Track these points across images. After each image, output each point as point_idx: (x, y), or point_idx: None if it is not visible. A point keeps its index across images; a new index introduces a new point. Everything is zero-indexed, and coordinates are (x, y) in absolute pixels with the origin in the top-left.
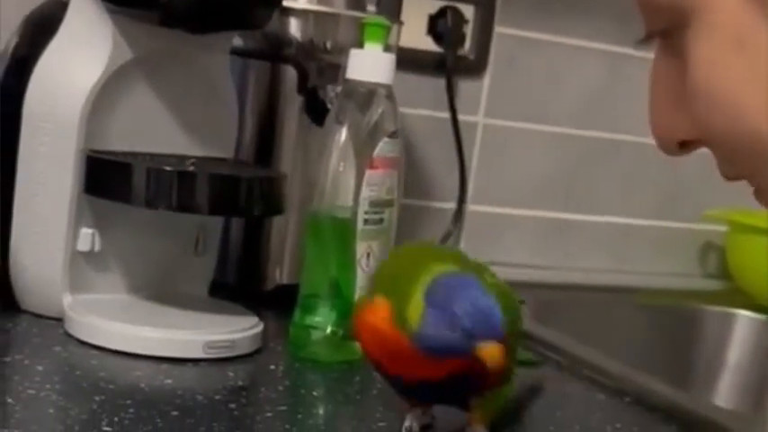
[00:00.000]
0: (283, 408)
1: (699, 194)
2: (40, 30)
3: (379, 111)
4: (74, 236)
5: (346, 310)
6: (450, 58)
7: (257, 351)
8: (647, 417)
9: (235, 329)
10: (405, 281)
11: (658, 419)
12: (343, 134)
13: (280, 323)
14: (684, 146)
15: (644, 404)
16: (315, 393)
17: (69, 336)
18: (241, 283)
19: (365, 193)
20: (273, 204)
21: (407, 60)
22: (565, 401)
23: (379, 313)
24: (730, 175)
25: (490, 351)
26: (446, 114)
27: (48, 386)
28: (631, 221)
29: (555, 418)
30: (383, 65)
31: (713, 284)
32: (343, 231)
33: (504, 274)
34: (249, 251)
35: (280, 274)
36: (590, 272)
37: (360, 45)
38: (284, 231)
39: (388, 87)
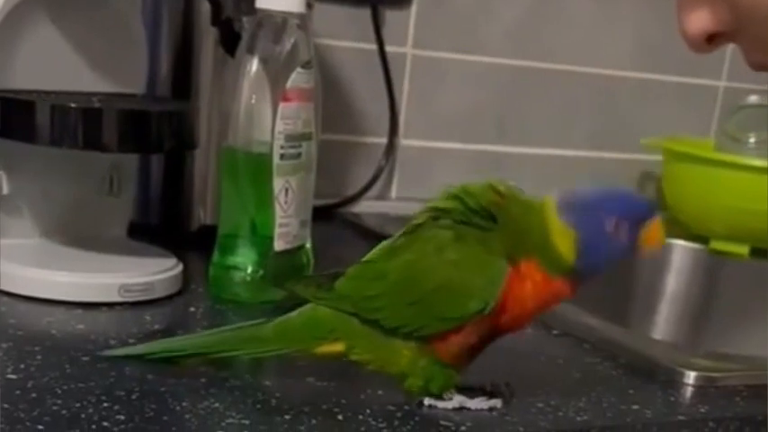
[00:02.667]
0: None
1: (635, 124)
2: None
3: (292, 41)
4: None
5: (266, 249)
6: None
7: (177, 293)
8: (574, 349)
9: (152, 272)
10: (527, 233)
11: (585, 351)
12: (255, 65)
13: (203, 264)
14: (712, 40)
15: (571, 336)
16: None
17: None
18: (164, 224)
19: (280, 126)
20: (185, 139)
21: None
22: None
23: (532, 275)
24: (758, 64)
25: (655, 230)
26: (373, 46)
27: None
28: (567, 153)
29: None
30: None
31: None
32: (260, 167)
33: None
34: (171, 191)
35: (204, 215)
36: None
37: None
38: (206, 170)
39: (300, 16)
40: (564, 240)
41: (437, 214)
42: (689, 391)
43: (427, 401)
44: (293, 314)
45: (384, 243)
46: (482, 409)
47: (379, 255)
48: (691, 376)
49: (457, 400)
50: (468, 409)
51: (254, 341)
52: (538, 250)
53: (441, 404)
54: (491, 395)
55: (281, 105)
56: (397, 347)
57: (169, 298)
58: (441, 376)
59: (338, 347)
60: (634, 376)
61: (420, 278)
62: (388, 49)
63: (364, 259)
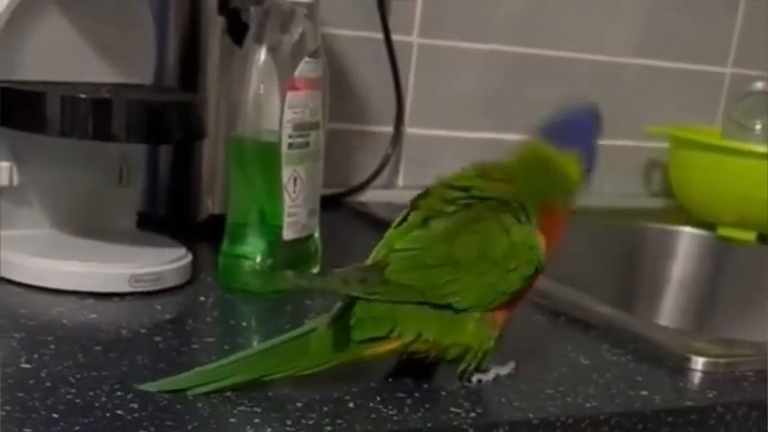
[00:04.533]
0: (210, 339)
1: (641, 111)
2: None
3: (300, 30)
4: None
5: (275, 238)
6: None
7: (187, 283)
8: (582, 335)
9: (162, 262)
10: (543, 183)
11: (593, 338)
12: (263, 54)
13: (212, 254)
14: None
15: (580, 323)
16: (244, 324)
17: None
18: (172, 214)
19: (288, 115)
20: (193, 129)
21: None
22: None
23: (557, 215)
24: None
25: None
26: (379, 35)
27: None
28: None
29: None
30: None
31: (657, 202)
32: (268, 156)
33: None
34: (179, 181)
35: (212, 204)
36: None
37: None
38: (214, 159)
39: (308, 5)
40: (571, 166)
41: (462, 195)
42: (697, 377)
43: (476, 378)
44: (332, 318)
45: (410, 226)
46: (507, 375)
47: (426, 239)
48: (698, 362)
49: (493, 370)
50: (498, 375)
51: (303, 357)
52: (556, 191)
53: (486, 377)
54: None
55: (289, 94)
56: (463, 325)
57: (179, 288)
58: (496, 346)
59: (394, 345)
60: (642, 362)
61: (492, 257)
62: (395, 37)
63: (404, 245)
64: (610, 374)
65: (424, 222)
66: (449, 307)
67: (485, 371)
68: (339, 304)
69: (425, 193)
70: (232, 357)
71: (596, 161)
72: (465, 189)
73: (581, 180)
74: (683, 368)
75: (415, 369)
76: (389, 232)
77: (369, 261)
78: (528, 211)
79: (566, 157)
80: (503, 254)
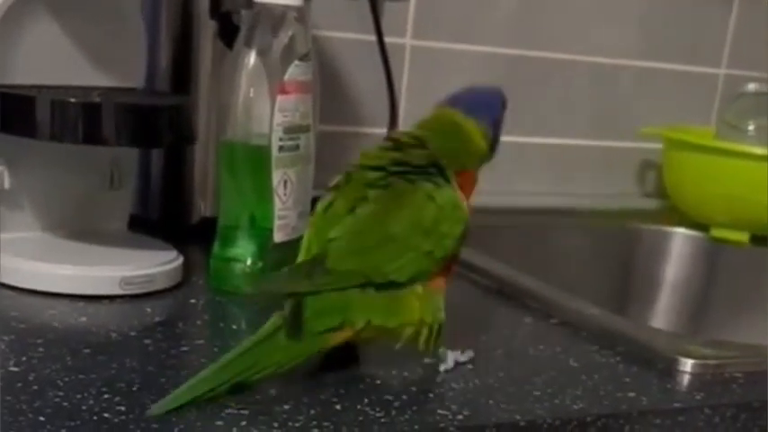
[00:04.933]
0: (200, 341)
1: (635, 112)
2: None
3: (290, 33)
4: None
5: (265, 241)
6: None
7: (177, 286)
8: (571, 338)
9: (153, 264)
10: (454, 148)
11: (583, 339)
12: (252, 58)
13: (204, 257)
14: None
15: (570, 325)
16: (234, 326)
17: None
18: (164, 217)
19: (278, 118)
20: (183, 133)
21: None
22: (491, 326)
23: (469, 180)
24: None
25: None
26: (372, 37)
27: None
28: (567, 142)
29: (478, 342)
30: None
31: (652, 203)
32: (258, 159)
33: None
34: (171, 184)
35: (204, 207)
36: (527, 195)
37: None
38: (206, 162)
39: (299, 9)
40: (479, 134)
41: (380, 176)
42: (686, 379)
43: (443, 367)
44: (289, 315)
45: (337, 216)
46: (465, 362)
47: (358, 223)
48: (687, 364)
49: (451, 357)
50: (457, 362)
51: (276, 353)
52: (467, 155)
53: (445, 364)
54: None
55: (279, 98)
56: (409, 300)
57: (169, 290)
58: (443, 313)
59: (348, 334)
60: (631, 364)
61: (424, 226)
62: (388, 39)
63: (338, 233)
64: (598, 376)
65: (351, 210)
66: (391, 285)
67: (442, 358)
68: (287, 303)
69: (346, 179)
70: (213, 366)
71: (500, 137)
72: (381, 169)
73: (488, 149)
74: (671, 370)
75: (341, 359)
76: (314, 224)
77: (301, 256)
78: (445, 173)
79: (474, 125)
80: (433, 219)
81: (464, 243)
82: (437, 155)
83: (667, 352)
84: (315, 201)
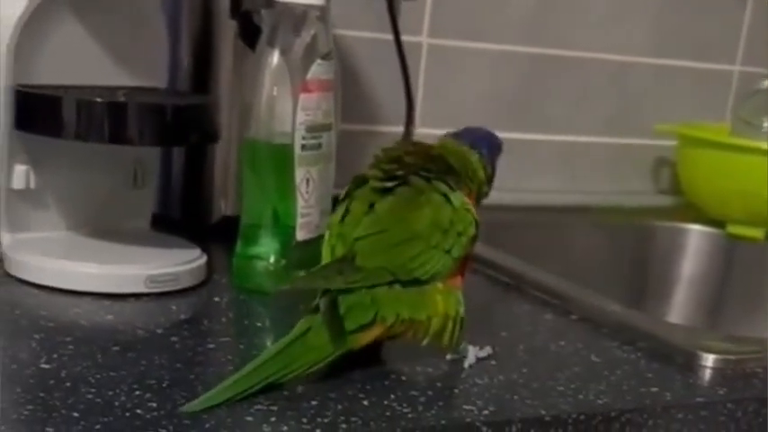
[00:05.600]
0: (226, 339)
1: (649, 109)
2: None
3: (312, 32)
4: (8, 173)
5: (288, 239)
6: None
7: (201, 284)
8: (592, 334)
9: (177, 263)
10: (463, 171)
11: (604, 336)
12: (275, 57)
13: (226, 255)
14: None
15: (590, 321)
16: (258, 324)
17: (9, 275)
18: (186, 215)
19: (301, 117)
20: (207, 132)
21: None
22: (512, 322)
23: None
24: None
25: None
26: (389, 36)
27: None
28: (582, 139)
29: (499, 339)
30: None
31: (666, 200)
32: (281, 158)
33: None
34: (193, 183)
35: (225, 206)
36: (542, 192)
37: None
38: (227, 161)
39: (320, 8)
40: (480, 168)
41: (395, 167)
42: (707, 374)
43: (467, 363)
44: (322, 315)
45: (357, 215)
46: (485, 357)
47: (382, 221)
48: (709, 359)
49: (472, 353)
50: (477, 358)
51: (307, 354)
52: (472, 182)
53: (468, 360)
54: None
55: (302, 96)
56: (433, 295)
57: (193, 288)
58: (463, 308)
59: (379, 330)
60: (652, 360)
61: (443, 225)
62: (404, 38)
63: (363, 232)
64: (620, 372)
65: (371, 208)
66: (415, 282)
67: (464, 355)
68: (322, 300)
69: (358, 183)
70: (247, 367)
71: (494, 177)
72: (396, 160)
73: (486, 181)
74: (692, 365)
75: (366, 359)
76: (335, 228)
77: (326, 259)
78: (453, 180)
79: (478, 157)
80: (449, 220)
81: (475, 245)
82: (443, 170)
83: (688, 347)
84: (335, 200)
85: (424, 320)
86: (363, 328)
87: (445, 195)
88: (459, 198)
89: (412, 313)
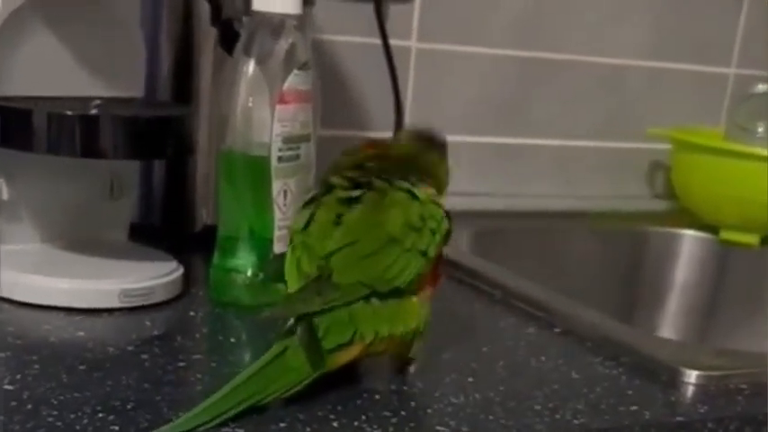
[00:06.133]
0: (198, 356)
1: (644, 113)
2: None
3: (289, 41)
4: None
5: (266, 251)
6: None
7: (177, 297)
8: (575, 348)
9: (152, 276)
10: (425, 169)
11: (586, 350)
12: (251, 67)
13: (205, 266)
14: None
15: (574, 335)
16: (232, 340)
17: None
18: (167, 224)
19: (277, 129)
20: (182, 145)
21: None
22: (494, 336)
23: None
24: None
25: None
26: (377, 40)
27: None
28: (575, 143)
29: (481, 354)
30: None
31: (661, 205)
32: (258, 170)
33: (447, 203)
34: (173, 192)
35: (206, 215)
36: (535, 197)
37: None
38: (209, 170)
39: (298, 17)
40: (441, 165)
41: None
42: (690, 391)
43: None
44: (299, 335)
45: (326, 227)
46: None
47: (353, 230)
48: (692, 375)
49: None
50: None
51: (284, 376)
52: (433, 178)
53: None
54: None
55: (278, 108)
56: (410, 307)
57: (168, 302)
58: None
59: (358, 349)
60: (635, 376)
61: (414, 223)
62: (393, 42)
63: (337, 245)
64: (600, 389)
65: (339, 218)
66: (392, 293)
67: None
68: (299, 324)
69: (324, 190)
70: (220, 391)
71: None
72: (359, 166)
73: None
74: (675, 381)
75: (339, 376)
76: (298, 236)
77: (292, 274)
78: (415, 177)
79: (437, 156)
80: (419, 215)
81: (447, 243)
82: (405, 168)
83: (671, 363)
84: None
85: (400, 335)
86: (342, 347)
87: (409, 191)
88: (423, 191)
89: (391, 329)
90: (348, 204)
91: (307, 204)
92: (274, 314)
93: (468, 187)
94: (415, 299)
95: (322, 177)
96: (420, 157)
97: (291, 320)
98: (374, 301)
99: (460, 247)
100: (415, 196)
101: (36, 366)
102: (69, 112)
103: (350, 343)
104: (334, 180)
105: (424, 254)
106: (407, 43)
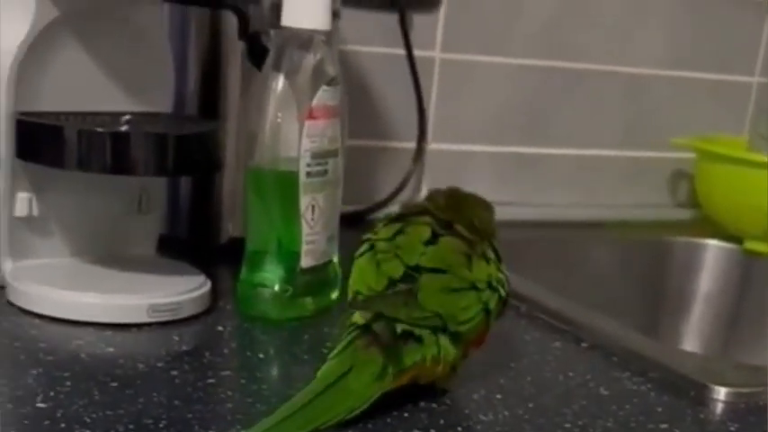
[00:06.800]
0: (227, 373)
1: (665, 122)
2: None
3: (318, 57)
4: (10, 202)
5: (293, 265)
6: None
7: (205, 311)
8: (602, 363)
9: (180, 291)
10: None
11: (614, 365)
12: (281, 82)
13: (232, 278)
14: None
15: (600, 349)
16: (261, 356)
17: (11, 305)
18: (193, 237)
19: (306, 144)
20: (211, 161)
21: None
22: (521, 351)
23: None
24: None
25: None
26: (401, 51)
27: None
28: (598, 152)
29: (509, 370)
30: (318, 11)
31: (684, 214)
32: (286, 185)
33: None
34: (200, 205)
35: (233, 227)
36: (557, 207)
37: None
38: (235, 183)
39: (327, 33)
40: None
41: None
42: (719, 408)
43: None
44: (381, 349)
45: (418, 239)
46: None
47: (449, 259)
48: (721, 392)
49: None
50: None
51: (347, 399)
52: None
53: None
54: None
55: (307, 123)
56: (452, 351)
57: (197, 317)
58: None
59: (412, 373)
60: (663, 392)
61: (494, 286)
62: (417, 53)
63: (433, 264)
64: (630, 406)
65: (435, 238)
66: (455, 335)
67: None
68: (377, 324)
69: (416, 211)
70: (279, 413)
71: None
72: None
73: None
74: (704, 398)
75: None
76: (382, 243)
77: (369, 272)
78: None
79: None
80: (496, 278)
81: (503, 313)
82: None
83: (700, 379)
84: (347, 216)
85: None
86: (414, 365)
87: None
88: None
89: (442, 363)
90: (442, 229)
91: (396, 220)
92: (357, 306)
93: (490, 197)
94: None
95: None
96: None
97: (355, 325)
98: (439, 334)
99: None
100: (498, 258)
101: (68, 383)
102: (100, 129)
103: (419, 364)
104: (429, 205)
105: (488, 312)
106: (431, 54)
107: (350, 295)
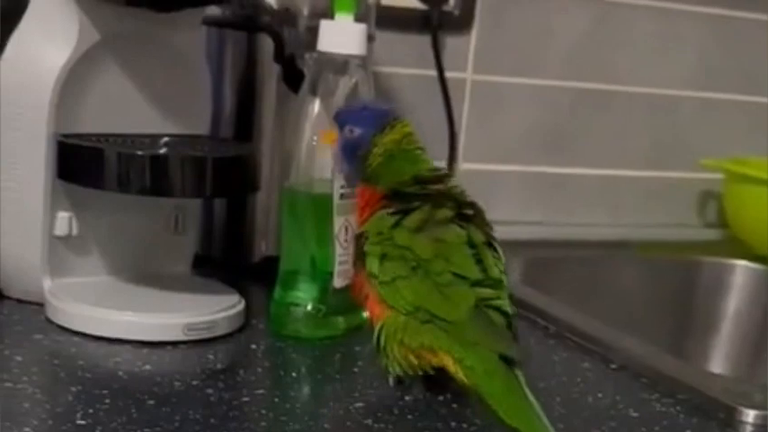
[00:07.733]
0: (261, 391)
1: (694, 142)
2: (5, 17)
3: (353, 81)
4: (50, 221)
5: (326, 285)
6: (435, 15)
7: (239, 330)
8: (631, 384)
9: (215, 310)
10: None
11: (643, 386)
12: (317, 106)
13: (265, 297)
14: None
15: (630, 370)
16: (294, 374)
17: (50, 322)
18: (227, 256)
19: None
20: (248, 183)
21: (391, 19)
22: (549, 371)
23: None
24: None
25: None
26: (433, 72)
27: (25, 378)
28: (626, 173)
29: (538, 391)
30: (354, 36)
31: (712, 234)
32: (320, 206)
33: (498, 232)
34: (234, 224)
35: (266, 246)
36: (586, 226)
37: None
38: (269, 203)
39: (362, 57)
40: None
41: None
42: (748, 430)
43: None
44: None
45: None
46: None
47: None
48: (750, 414)
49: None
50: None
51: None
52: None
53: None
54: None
55: None
56: None
57: (231, 335)
58: None
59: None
60: (692, 414)
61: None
62: (448, 74)
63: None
64: (659, 428)
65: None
66: None
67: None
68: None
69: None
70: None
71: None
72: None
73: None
74: (733, 420)
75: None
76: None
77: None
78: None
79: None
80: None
81: None
82: None
83: (729, 401)
84: None
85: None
86: None
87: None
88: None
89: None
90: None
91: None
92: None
93: (519, 216)
94: None
95: None
96: None
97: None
98: None
99: (511, 277)
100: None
101: (107, 401)
102: (140, 152)
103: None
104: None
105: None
106: (463, 75)
107: None
